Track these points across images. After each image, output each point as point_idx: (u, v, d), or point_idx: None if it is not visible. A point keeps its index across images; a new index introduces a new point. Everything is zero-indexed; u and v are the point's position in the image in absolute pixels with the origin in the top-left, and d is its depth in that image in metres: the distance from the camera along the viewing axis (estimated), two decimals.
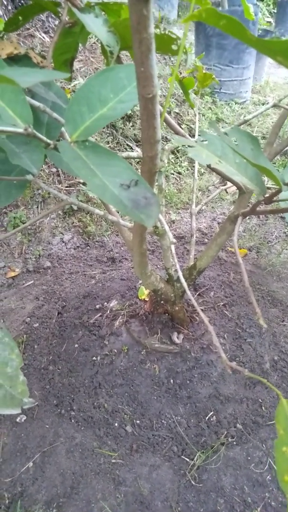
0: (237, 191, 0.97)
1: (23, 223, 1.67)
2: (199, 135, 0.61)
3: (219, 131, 0.55)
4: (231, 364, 0.51)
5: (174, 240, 0.61)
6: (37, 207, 1.76)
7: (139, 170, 0.54)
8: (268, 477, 0.93)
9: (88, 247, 1.72)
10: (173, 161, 2.18)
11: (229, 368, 0.55)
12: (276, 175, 0.57)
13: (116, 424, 1.02)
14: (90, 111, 0.52)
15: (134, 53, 0.34)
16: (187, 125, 2.36)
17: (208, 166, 0.65)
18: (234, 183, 0.92)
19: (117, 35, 0.71)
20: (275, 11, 5.70)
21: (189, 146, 0.62)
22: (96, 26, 0.67)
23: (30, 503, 0.88)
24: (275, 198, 0.64)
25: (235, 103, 2.87)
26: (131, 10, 0.31)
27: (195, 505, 0.88)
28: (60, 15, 0.77)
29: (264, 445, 0.99)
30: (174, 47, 0.73)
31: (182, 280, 0.68)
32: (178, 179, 2.11)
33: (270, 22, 5.61)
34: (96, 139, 1.96)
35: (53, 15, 0.81)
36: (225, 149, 0.66)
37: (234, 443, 0.99)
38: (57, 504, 0.87)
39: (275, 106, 0.91)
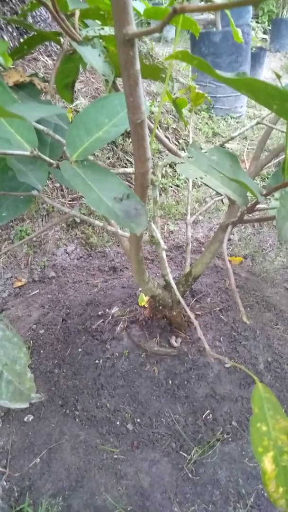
0: None
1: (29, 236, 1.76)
2: (187, 153, 0.69)
3: (200, 151, 0.63)
4: (214, 354, 0.58)
5: (165, 247, 0.69)
6: (42, 221, 1.85)
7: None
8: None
9: (91, 257, 1.80)
10: (172, 175, 2.28)
11: (212, 357, 0.62)
12: (252, 188, 0.64)
13: (118, 423, 1.08)
14: (87, 135, 0.60)
15: (124, 86, 0.40)
16: (184, 139, 2.46)
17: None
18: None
19: (112, 65, 0.79)
20: (270, 28, 5.88)
21: (178, 162, 0.70)
22: (93, 57, 0.74)
23: (38, 495, 0.94)
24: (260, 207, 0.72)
25: (231, 118, 2.98)
26: (119, 52, 0.36)
27: (192, 496, 0.93)
28: (62, 43, 0.86)
29: None
30: (162, 75, 0.82)
31: (173, 284, 0.76)
32: (176, 191, 2.20)
33: (265, 38, 5.78)
34: (97, 155, 2.06)
35: None
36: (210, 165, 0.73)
37: (229, 439, 1.04)
38: (63, 497, 0.93)
39: (258, 124, 0.99)
